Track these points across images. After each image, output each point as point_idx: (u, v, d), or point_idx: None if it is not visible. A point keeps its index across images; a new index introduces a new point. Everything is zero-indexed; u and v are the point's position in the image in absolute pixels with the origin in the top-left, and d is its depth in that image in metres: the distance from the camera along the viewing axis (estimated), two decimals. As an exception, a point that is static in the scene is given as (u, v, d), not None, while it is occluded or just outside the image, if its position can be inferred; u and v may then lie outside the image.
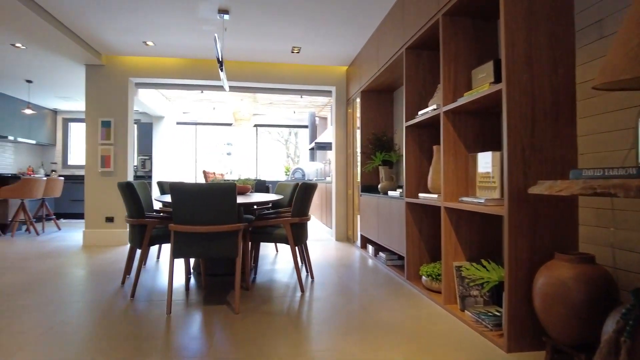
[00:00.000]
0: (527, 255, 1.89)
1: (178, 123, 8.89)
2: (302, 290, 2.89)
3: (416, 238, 3.09)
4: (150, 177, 7.77)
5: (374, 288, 2.97)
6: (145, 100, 6.28)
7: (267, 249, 4.63)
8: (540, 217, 1.91)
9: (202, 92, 6.60)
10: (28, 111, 6.52)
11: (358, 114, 4.69)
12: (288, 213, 3.04)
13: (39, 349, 1.89)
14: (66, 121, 8.37)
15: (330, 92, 5.51)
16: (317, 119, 9.01)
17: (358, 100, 4.69)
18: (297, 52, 4.73)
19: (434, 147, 2.84)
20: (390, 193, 3.57)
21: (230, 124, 9.38)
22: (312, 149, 8.78)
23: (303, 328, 2.17)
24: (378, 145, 4.24)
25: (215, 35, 3.47)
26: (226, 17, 3.67)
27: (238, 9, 3.56)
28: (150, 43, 4.44)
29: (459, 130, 2.53)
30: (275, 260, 4.03)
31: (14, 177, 5.86)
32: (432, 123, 2.98)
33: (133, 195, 2.74)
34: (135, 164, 8.02)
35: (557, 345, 1.65)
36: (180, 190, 2.38)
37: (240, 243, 2.49)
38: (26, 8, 3.29)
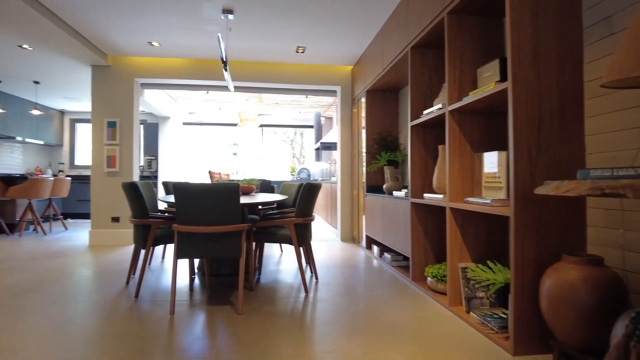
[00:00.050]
0: (534, 257, 1.86)
1: (184, 123, 8.93)
2: (306, 291, 2.88)
3: (421, 239, 3.07)
4: (156, 177, 7.81)
5: (379, 289, 2.95)
6: (151, 100, 6.31)
7: (272, 249, 4.62)
8: (547, 218, 1.88)
9: (207, 92, 6.63)
10: (36, 112, 6.59)
11: (363, 114, 4.67)
12: (292, 213, 3.03)
13: (43, 348, 1.89)
14: (73, 122, 8.44)
15: (335, 92, 5.49)
16: (322, 119, 8.99)
17: (363, 100, 4.66)
18: (302, 52, 4.72)
19: (439, 147, 2.81)
20: (396, 193, 3.54)
21: (235, 124, 9.40)
22: (317, 149, 8.76)
23: (307, 329, 2.16)
24: (383, 145, 4.22)
25: (219, 35, 3.47)
26: (230, 17, 3.67)
27: (242, 9, 3.56)
28: (155, 43, 4.45)
29: (464, 129, 2.50)
30: (280, 260, 4.02)
31: (22, 178, 5.92)
32: (438, 122, 2.95)
33: (137, 196, 2.74)
34: (142, 164, 8.07)
35: (564, 349, 1.62)
36: (184, 191, 2.38)
37: (243, 243, 2.48)
38: (33, 10, 3.32)
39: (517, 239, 1.85)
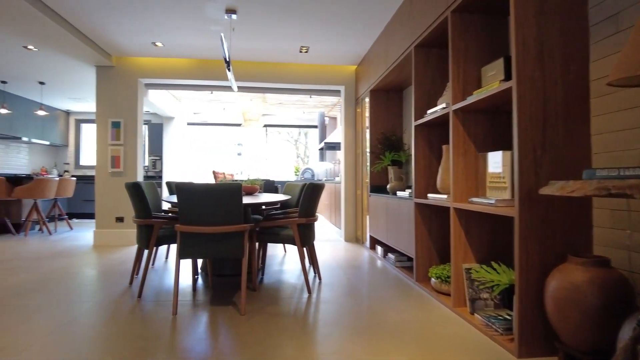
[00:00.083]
0: (539, 258, 1.84)
1: (189, 124, 8.95)
2: (309, 292, 2.87)
3: (425, 239, 3.05)
4: (160, 177, 7.84)
5: (383, 290, 2.93)
6: (156, 101, 6.33)
7: (275, 249, 4.62)
8: (552, 218, 1.85)
9: (212, 92, 6.63)
10: (41, 112, 6.63)
11: (367, 114, 4.65)
12: (295, 213, 3.02)
13: (46, 347, 1.90)
14: (78, 122, 8.49)
15: (339, 91, 5.47)
16: (326, 118, 8.98)
17: (367, 99, 4.65)
18: (306, 52, 4.71)
19: (443, 147, 2.79)
20: (399, 193, 3.53)
21: (239, 125, 9.41)
22: (321, 149, 8.75)
23: (309, 330, 2.15)
24: (387, 144, 4.20)
25: (222, 35, 3.46)
26: (234, 17, 3.66)
27: (245, 9, 3.56)
28: (159, 44, 4.46)
29: (468, 129, 2.48)
30: (284, 260, 4.01)
31: (28, 178, 5.96)
32: (442, 122, 2.93)
33: (140, 196, 2.74)
34: (146, 164, 8.10)
35: (569, 352, 1.59)
36: (187, 191, 2.38)
37: (246, 244, 2.48)
38: (37, 11, 3.33)
39: (522, 239, 1.83)
